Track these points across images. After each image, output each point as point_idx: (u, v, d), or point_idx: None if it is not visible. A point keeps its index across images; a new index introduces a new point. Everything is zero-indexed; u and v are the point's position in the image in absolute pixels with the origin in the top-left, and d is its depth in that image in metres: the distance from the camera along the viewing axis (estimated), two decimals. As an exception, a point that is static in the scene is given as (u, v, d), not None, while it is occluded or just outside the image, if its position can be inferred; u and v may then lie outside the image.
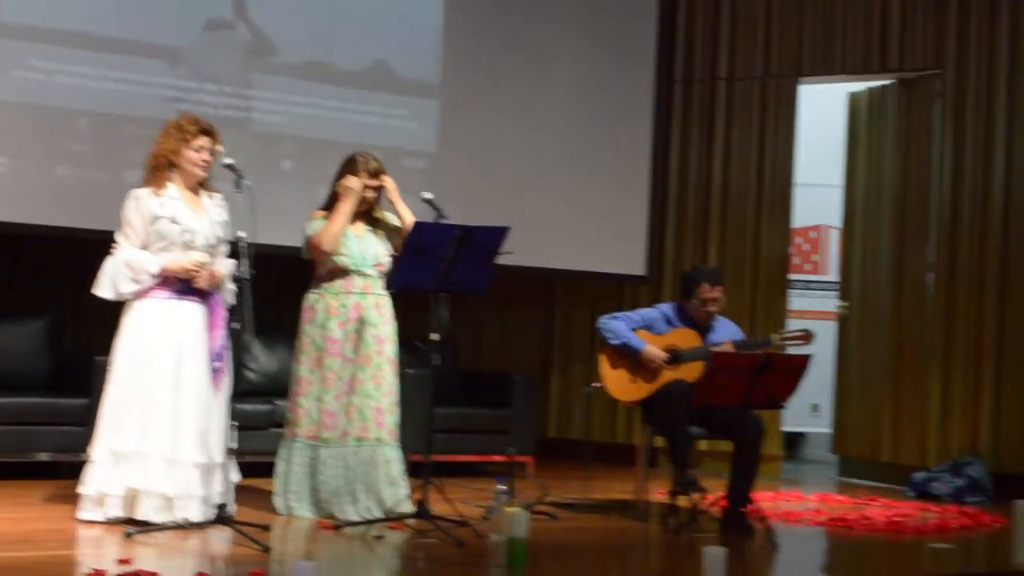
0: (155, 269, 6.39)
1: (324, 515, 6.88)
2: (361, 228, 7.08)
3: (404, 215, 7.01)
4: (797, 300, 11.62)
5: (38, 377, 8.41)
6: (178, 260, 6.43)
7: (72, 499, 6.53)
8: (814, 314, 11.71)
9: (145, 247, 6.44)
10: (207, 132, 6.59)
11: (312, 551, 6.19)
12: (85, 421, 7.42)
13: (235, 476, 6.57)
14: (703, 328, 7.75)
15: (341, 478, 6.88)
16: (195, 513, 6.31)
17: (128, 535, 6.01)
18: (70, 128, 8.47)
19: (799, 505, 8.56)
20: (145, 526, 6.17)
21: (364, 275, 7.00)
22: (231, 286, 6.61)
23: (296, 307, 7.05)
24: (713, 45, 10.77)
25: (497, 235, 6.77)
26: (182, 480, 6.30)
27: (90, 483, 6.34)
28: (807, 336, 7.61)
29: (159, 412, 6.31)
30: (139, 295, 6.43)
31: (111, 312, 6.70)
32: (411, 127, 9.67)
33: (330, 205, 7.04)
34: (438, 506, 6.77)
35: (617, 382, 7.71)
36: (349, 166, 7.04)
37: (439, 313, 6.77)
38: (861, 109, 10.73)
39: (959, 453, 9.60)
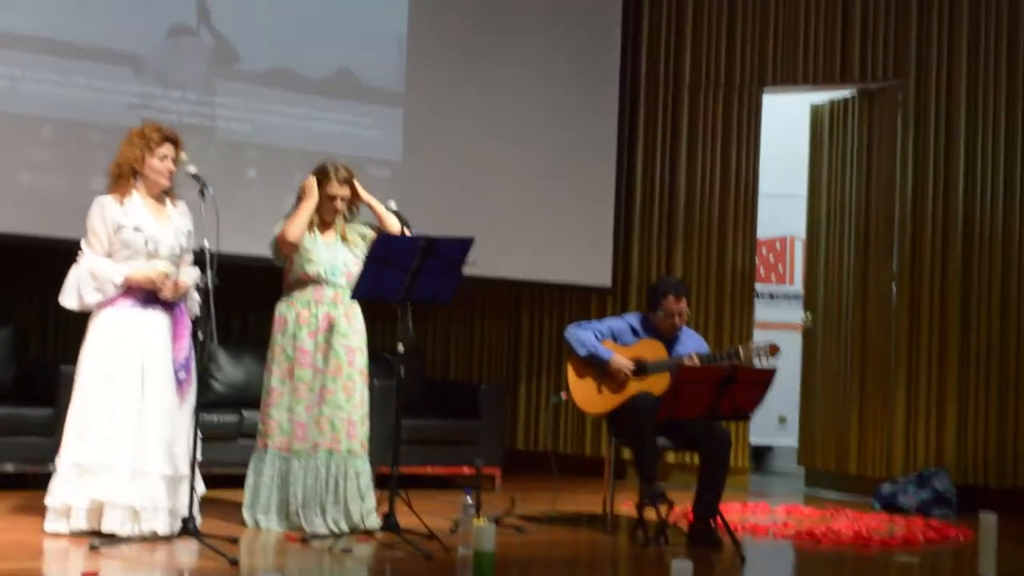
0: (119, 279, 6.35)
1: (292, 528, 6.83)
2: (331, 236, 7.05)
3: (383, 214, 7.00)
4: (762, 311, 11.65)
5: (2, 387, 8.34)
6: (142, 270, 6.38)
7: (38, 510, 6.47)
8: (779, 325, 11.76)
9: (109, 255, 6.40)
10: (171, 140, 6.56)
11: (280, 564, 6.14)
12: (51, 431, 7.37)
13: (201, 488, 6.51)
14: (669, 340, 7.75)
15: (311, 490, 6.84)
16: (162, 525, 6.27)
17: (94, 547, 5.96)
18: (33, 135, 8.39)
19: (766, 518, 8.55)
20: (111, 538, 6.13)
21: (334, 285, 6.97)
22: (196, 295, 6.56)
23: (262, 317, 7.02)
24: (677, 53, 10.77)
25: (462, 246, 6.74)
26: (148, 492, 6.25)
27: (55, 495, 6.28)
28: (773, 350, 7.62)
29: (124, 423, 6.26)
30: (104, 304, 6.37)
31: (76, 321, 6.66)
32: (376, 136, 9.64)
33: (298, 199, 7.02)
34: (405, 519, 6.73)
35: (584, 393, 7.69)
36: (319, 175, 7.01)
37: (404, 324, 6.74)
38: (823, 120, 10.76)
39: (925, 464, 9.62)
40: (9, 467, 7.84)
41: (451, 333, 10.80)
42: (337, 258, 7.00)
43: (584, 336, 7.71)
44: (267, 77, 9.21)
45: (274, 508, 6.90)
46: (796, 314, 11.37)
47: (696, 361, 7.50)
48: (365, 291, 6.73)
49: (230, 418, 8.46)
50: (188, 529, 6.20)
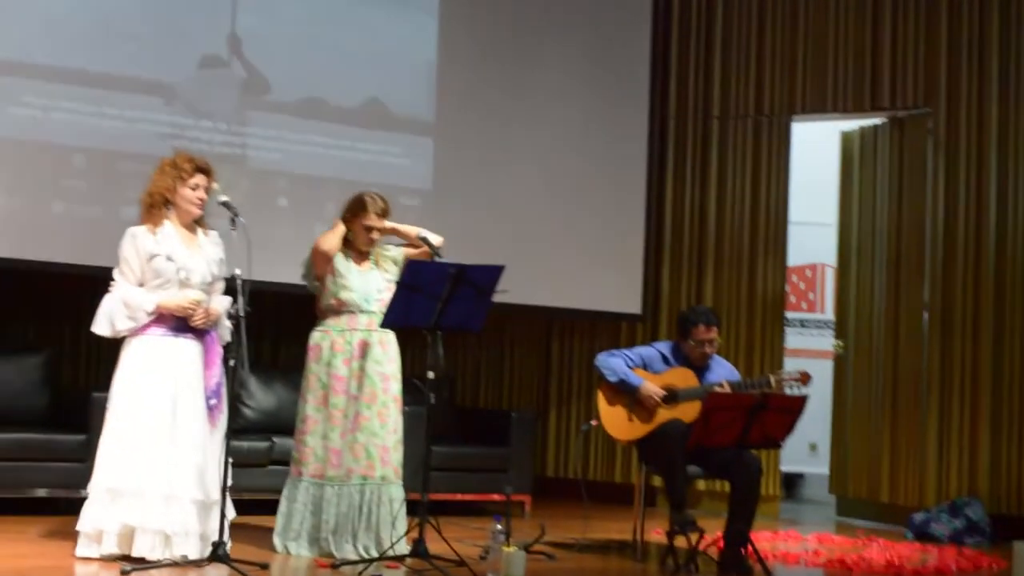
0: (151, 307, 6.38)
1: (322, 554, 6.83)
2: (366, 265, 7.07)
3: (410, 232, 7.05)
4: (793, 338, 11.61)
5: (35, 413, 8.38)
6: (174, 298, 6.41)
7: (69, 535, 6.49)
8: (810, 353, 11.73)
9: (142, 284, 6.43)
10: (203, 170, 6.59)
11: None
12: (83, 457, 7.40)
13: (231, 513, 6.53)
14: (699, 368, 7.74)
15: (344, 516, 6.84)
16: (193, 550, 6.28)
17: (124, 572, 5.95)
18: (66, 164, 8.45)
19: (797, 546, 8.52)
20: (142, 563, 6.13)
21: (368, 312, 6.97)
22: (227, 323, 6.58)
23: (293, 344, 7.03)
24: (706, 83, 10.80)
25: (493, 273, 6.74)
26: (179, 517, 6.26)
27: (87, 520, 6.30)
28: (805, 378, 7.61)
29: (156, 449, 6.28)
30: (136, 332, 6.40)
31: (109, 348, 6.69)
32: (406, 164, 9.67)
33: None
34: (435, 545, 6.72)
35: (614, 420, 7.69)
36: (356, 206, 7.03)
37: (434, 351, 6.75)
38: (853, 148, 10.75)
39: (957, 493, 9.57)
40: (42, 492, 7.87)
41: (481, 360, 10.81)
42: (371, 285, 7.01)
43: (614, 363, 7.71)
44: (298, 107, 9.26)
45: (305, 534, 6.90)
46: (827, 342, 11.35)
47: (727, 389, 7.50)
48: (395, 318, 6.74)
49: (260, 444, 8.49)
50: (218, 554, 6.21)
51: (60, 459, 7.87)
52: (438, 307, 6.66)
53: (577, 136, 10.38)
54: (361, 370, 6.94)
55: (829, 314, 11.84)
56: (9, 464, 7.77)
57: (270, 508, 7.13)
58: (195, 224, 6.62)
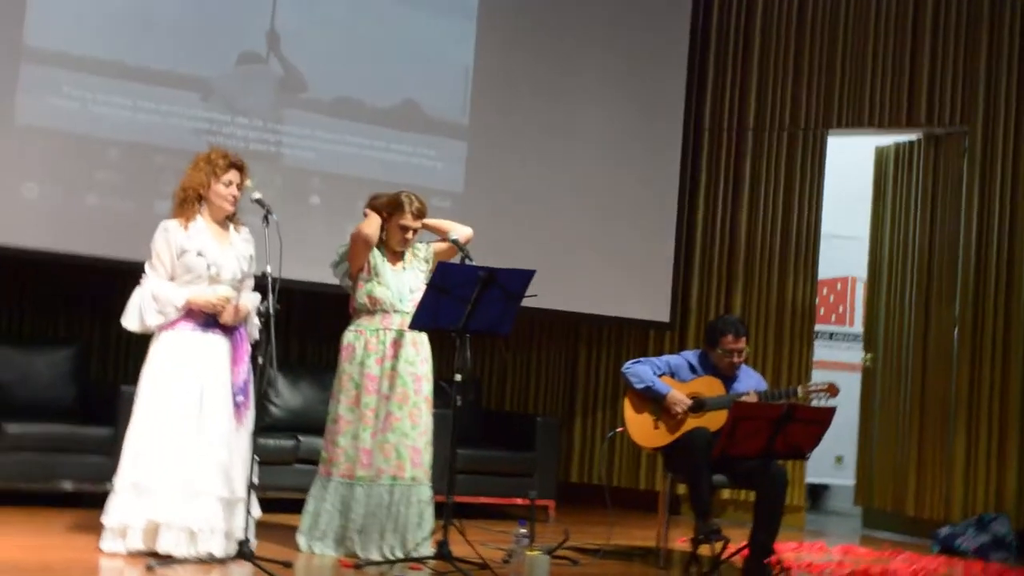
0: (180, 302, 6.39)
1: (346, 553, 6.84)
2: (399, 265, 7.08)
3: (441, 226, 7.09)
4: (821, 351, 11.59)
5: (64, 405, 8.41)
6: (203, 294, 6.42)
7: (95, 529, 6.50)
8: (839, 365, 11.71)
9: (172, 279, 6.44)
10: (237, 167, 6.59)
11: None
12: (110, 451, 7.42)
13: (256, 511, 6.54)
14: (727, 377, 7.74)
15: (372, 516, 6.83)
16: (217, 547, 6.28)
17: (150, 568, 5.97)
18: (101, 157, 8.49)
19: (822, 557, 8.49)
20: (167, 559, 6.14)
21: (402, 312, 6.96)
22: (256, 320, 6.60)
23: (321, 343, 7.03)
24: (742, 96, 10.79)
25: (524, 278, 6.75)
26: (204, 513, 6.27)
27: (112, 514, 6.31)
28: (832, 389, 7.60)
29: (182, 445, 6.29)
30: (165, 327, 6.42)
31: (138, 342, 6.71)
32: (438, 167, 9.68)
33: None
34: (459, 548, 6.73)
35: (640, 428, 7.68)
36: (394, 205, 7.04)
37: (462, 353, 6.75)
38: (888, 163, 10.73)
39: (984, 509, 9.54)
40: (67, 485, 7.89)
41: (508, 364, 10.81)
42: (404, 284, 7.02)
43: (642, 371, 7.71)
44: (333, 106, 9.28)
45: (332, 534, 6.89)
46: (855, 354, 11.32)
47: (754, 398, 7.49)
48: (424, 320, 6.75)
49: (287, 443, 8.51)
50: (243, 552, 6.22)
51: (87, 452, 7.89)
52: (467, 309, 6.67)
53: (611, 144, 10.37)
54: (393, 370, 6.94)
55: (858, 327, 11.80)
56: (37, 456, 7.79)
57: (295, 507, 7.14)
58: (227, 220, 6.63)
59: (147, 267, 6.48)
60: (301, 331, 9.69)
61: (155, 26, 8.65)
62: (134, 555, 6.25)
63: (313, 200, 9.18)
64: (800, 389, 7.70)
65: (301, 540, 6.94)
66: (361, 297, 7.02)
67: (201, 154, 6.66)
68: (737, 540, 7.23)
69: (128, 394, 6.74)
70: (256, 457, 6.41)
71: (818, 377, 9.67)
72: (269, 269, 6.26)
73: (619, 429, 7.87)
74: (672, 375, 7.75)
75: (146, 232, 6.58)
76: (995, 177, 9.85)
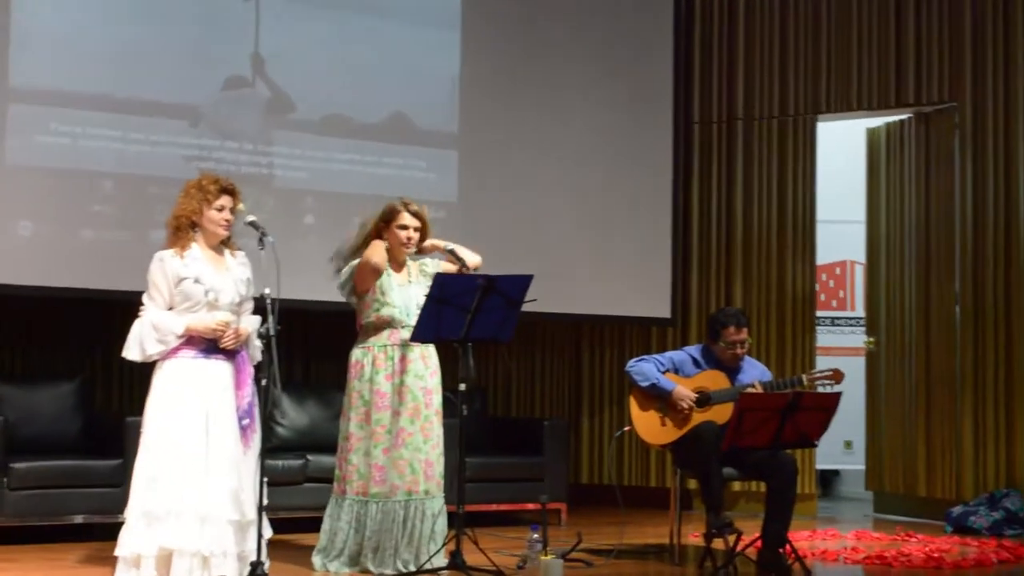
0: (180, 330, 6.39)
1: (361, 571, 6.84)
2: (404, 278, 7.09)
3: (440, 244, 7.08)
4: (824, 337, 11.61)
5: (69, 440, 8.43)
6: (203, 320, 6.42)
7: (107, 561, 6.52)
8: (842, 350, 11.71)
9: (171, 308, 6.44)
10: (228, 191, 6.59)
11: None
12: (118, 482, 7.44)
13: (268, 532, 6.54)
14: (731, 370, 7.74)
15: (387, 532, 6.83)
16: (231, 571, 6.28)
17: (165, 596, 5.99)
18: (94, 190, 8.51)
19: (836, 544, 8.50)
20: (182, 587, 6.15)
21: (409, 326, 6.91)
22: (258, 342, 6.61)
23: (324, 361, 7.04)
24: (730, 86, 10.80)
25: (522, 283, 6.77)
26: (216, 538, 6.27)
27: (125, 545, 6.29)
28: (837, 376, 7.61)
29: (190, 471, 6.29)
30: (166, 355, 6.42)
31: (140, 372, 6.71)
32: (431, 178, 9.69)
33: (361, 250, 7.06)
34: (472, 556, 6.74)
35: (647, 425, 7.69)
36: (388, 214, 7.04)
37: (465, 363, 6.76)
38: (879, 144, 10.74)
39: (995, 485, 9.54)
40: (78, 518, 7.90)
41: (512, 370, 10.82)
42: (411, 299, 6.99)
43: (646, 368, 7.71)
44: (322, 125, 9.30)
45: (347, 552, 6.90)
46: (858, 339, 11.33)
47: (759, 389, 7.49)
48: (425, 332, 6.75)
49: (295, 462, 8.51)
50: (256, 574, 6.23)
51: (96, 485, 7.90)
52: (468, 319, 6.69)
53: (602, 142, 10.38)
54: (403, 385, 6.93)
55: (860, 311, 11.81)
56: (46, 491, 7.81)
57: (306, 526, 7.16)
58: (222, 245, 6.63)
59: (145, 298, 6.48)
60: (304, 350, 9.70)
61: (139, 57, 8.66)
62: (149, 584, 6.26)
63: (307, 219, 9.20)
64: (805, 378, 7.71)
65: (316, 560, 6.95)
66: (369, 315, 7.01)
67: (192, 181, 6.65)
68: (750, 532, 7.24)
69: (134, 425, 6.75)
70: (265, 479, 6.41)
71: (822, 363, 9.69)
72: (268, 291, 6.26)
73: (626, 428, 7.88)
74: (676, 371, 7.76)
75: (142, 262, 6.58)
76: (987, 151, 9.84)
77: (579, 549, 7.60)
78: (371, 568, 6.80)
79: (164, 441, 6.32)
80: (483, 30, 9.98)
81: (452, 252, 7.03)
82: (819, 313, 11.14)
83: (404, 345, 6.96)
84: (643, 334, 10.76)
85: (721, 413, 7.46)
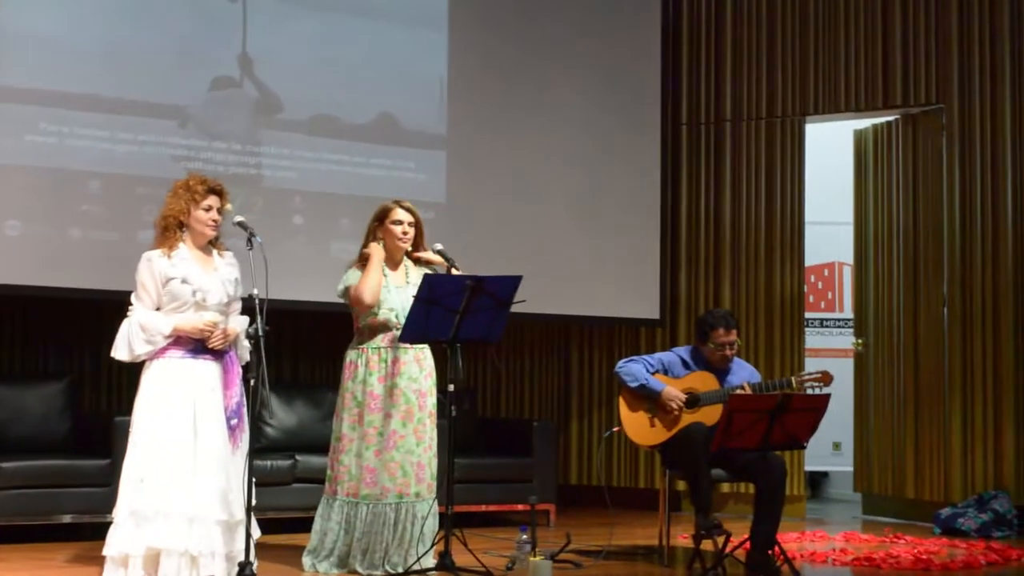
0: (168, 330, 6.38)
1: (349, 571, 6.83)
2: (400, 279, 7.07)
3: (431, 257, 7.07)
4: (812, 338, 11.62)
5: (58, 439, 8.41)
6: (190, 321, 6.41)
7: (96, 560, 6.50)
8: (831, 352, 11.73)
9: (159, 308, 6.44)
10: (216, 191, 6.58)
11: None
12: (107, 482, 7.42)
13: (256, 533, 6.53)
14: (720, 371, 7.74)
15: (377, 534, 6.82)
16: (219, 571, 6.27)
17: (153, 596, 5.98)
18: (82, 190, 8.49)
19: (825, 545, 8.51)
20: (170, 587, 6.14)
21: (403, 328, 6.95)
22: (246, 342, 6.59)
23: (312, 361, 7.02)
24: (718, 87, 10.81)
25: (511, 284, 6.76)
26: (204, 538, 6.26)
27: (113, 544, 6.28)
28: (826, 378, 7.61)
29: (178, 471, 6.28)
30: (155, 355, 6.42)
31: (129, 373, 6.71)
32: (420, 178, 9.68)
33: (364, 258, 7.04)
34: (461, 557, 6.73)
35: (636, 426, 7.68)
36: (381, 213, 7.05)
37: (454, 364, 6.76)
38: (867, 145, 10.75)
39: (984, 487, 9.55)
40: (67, 518, 7.88)
41: (501, 371, 10.82)
42: (407, 301, 6.94)
43: (635, 369, 7.71)
44: (310, 125, 9.29)
45: (336, 553, 6.89)
46: (847, 340, 11.34)
47: (748, 391, 7.49)
48: (413, 333, 6.74)
49: (284, 463, 8.50)
50: (245, 574, 6.22)
51: (84, 484, 7.89)
52: (456, 320, 6.68)
53: (591, 143, 10.38)
54: (396, 387, 6.92)
55: (848, 313, 11.83)
56: (34, 491, 7.79)
57: (295, 526, 7.15)
58: (210, 245, 6.63)
59: (133, 298, 6.48)
60: (292, 350, 9.69)
61: (128, 57, 8.65)
62: (137, 584, 6.25)
63: (296, 220, 9.18)
64: (794, 380, 7.70)
65: (306, 560, 6.94)
66: (366, 319, 6.99)
67: (179, 181, 6.64)
68: (739, 533, 7.23)
69: (122, 424, 6.75)
70: (253, 479, 6.39)
71: (811, 364, 9.69)
72: (256, 291, 6.25)
73: (615, 429, 7.88)
74: (665, 372, 7.76)
75: (131, 262, 6.57)
76: (974, 152, 9.87)
77: (568, 550, 7.59)
78: (359, 569, 6.78)
79: (152, 441, 6.31)
80: (471, 31, 9.98)
81: (442, 253, 7.02)
82: (807, 315, 11.16)
83: (398, 347, 6.95)
84: (632, 335, 10.76)
85: (710, 414, 7.46)
